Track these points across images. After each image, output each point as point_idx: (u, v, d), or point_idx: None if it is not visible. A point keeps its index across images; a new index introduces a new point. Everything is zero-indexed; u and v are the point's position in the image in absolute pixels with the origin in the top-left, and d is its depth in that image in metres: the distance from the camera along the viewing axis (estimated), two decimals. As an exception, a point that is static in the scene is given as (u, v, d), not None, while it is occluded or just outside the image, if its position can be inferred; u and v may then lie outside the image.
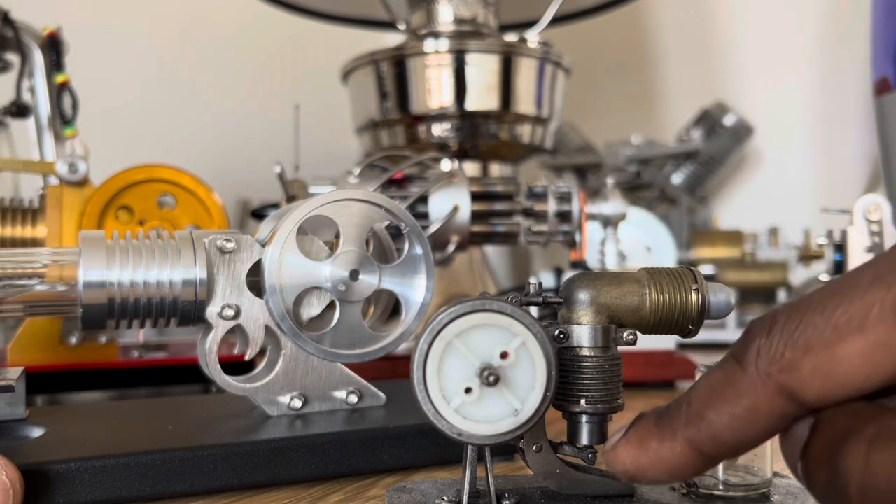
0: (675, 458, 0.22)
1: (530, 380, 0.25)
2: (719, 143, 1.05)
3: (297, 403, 0.38)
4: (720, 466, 0.28)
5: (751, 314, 0.88)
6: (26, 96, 0.62)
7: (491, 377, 0.24)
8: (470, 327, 0.24)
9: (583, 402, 0.27)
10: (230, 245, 0.37)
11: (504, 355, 0.24)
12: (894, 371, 0.19)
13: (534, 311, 0.27)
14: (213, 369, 0.37)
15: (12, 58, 0.64)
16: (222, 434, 0.35)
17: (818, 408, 0.20)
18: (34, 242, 0.54)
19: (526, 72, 0.74)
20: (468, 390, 0.24)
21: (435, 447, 0.36)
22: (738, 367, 0.21)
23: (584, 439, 0.28)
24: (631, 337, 0.28)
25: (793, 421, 0.21)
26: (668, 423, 0.23)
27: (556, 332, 0.27)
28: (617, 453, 0.23)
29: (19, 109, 0.62)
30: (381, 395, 0.40)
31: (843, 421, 0.19)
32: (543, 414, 0.25)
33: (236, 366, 0.40)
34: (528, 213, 0.62)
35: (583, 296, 0.28)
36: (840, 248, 0.54)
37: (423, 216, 0.58)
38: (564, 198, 0.61)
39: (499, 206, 0.61)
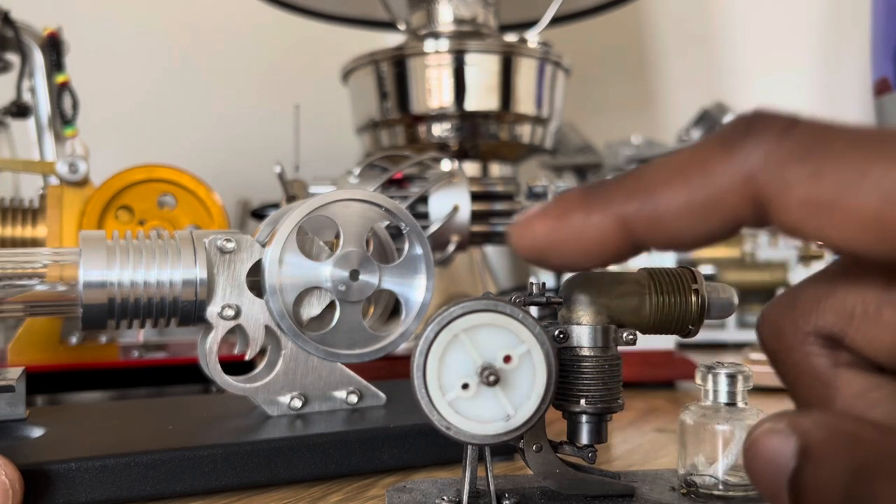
0: (600, 234, 0.19)
1: (528, 389, 0.25)
2: (719, 144, 1.05)
3: (297, 403, 0.38)
4: (720, 466, 0.28)
5: (751, 314, 0.88)
6: (26, 96, 0.62)
7: (491, 377, 0.24)
8: (479, 325, 0.24)
9: (583, 402, 0.27)
10: (230, 245, 0.37)
11: (507, 359, 0.24)
12: (885, 248, 0.17)
13: (534, 310, 0.27)
14: (214, 369, 0.37)
15: (12, 58, 0.64)
16: (222, 434, 0.35)
17: (783, 227, 0.18)
18: (34, 242, 0.54)
19: (526, 72, 0.74)
20: (465, 386, 0.24)
21: (435, 447, 0.36)
22: (721, 152, 0.18)
23: (584, 439, 0.28)
24: (631, 337, 0.28)
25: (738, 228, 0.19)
26: (601, 195, 0.20)
27: (556, 332, 0.27)
28: (528, 222, 0.20)
29: (19, 109, 0.62)
30: (382, 395, 0.40)
31: (850, 452, 0.17)
32: (535, 424, 0.25)
33: (236, 366, 0.40)
34: (528, 213, 0.61)
35: (582, 296, 0.28)
36: (840, 248, 0.54)
37: (423, 216, 0.58)
38: (564, 198, 0.61)
39: (499, 206, 0.61)
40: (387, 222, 0.40)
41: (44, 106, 0.62)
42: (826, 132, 0.18)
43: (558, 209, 0.20)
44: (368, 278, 0.39)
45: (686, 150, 0.19)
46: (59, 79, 0.62)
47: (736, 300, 0.29)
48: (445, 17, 0.76)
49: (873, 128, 0.18)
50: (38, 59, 0.61)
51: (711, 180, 0.18)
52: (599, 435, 0.28)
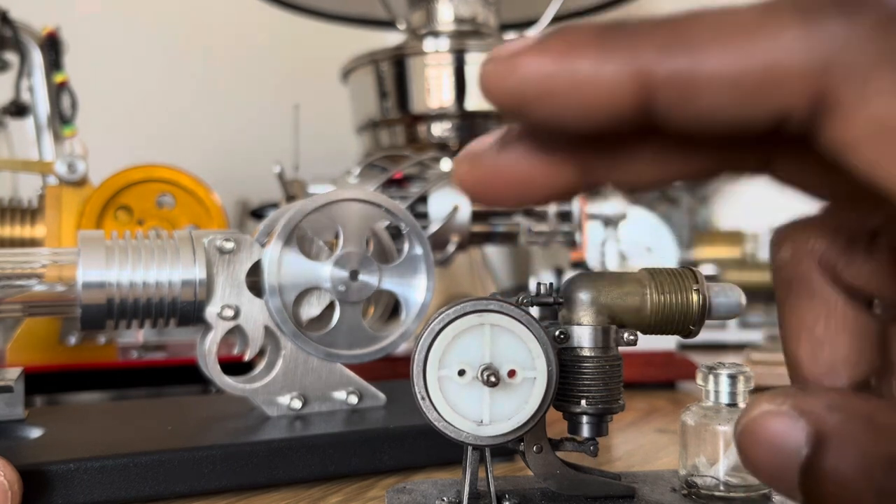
0: (611, 90, 0.14)
1: (514, 410, 0.24)
2: (719, 143, 1.05)
3: (297, 404, 0.38)
4: (721, 467, 0.28)
5: (751, 315, 0.88)
6: (25, 96, 0.62)
7: (491, 378, 0.24)
8: (508, 328, 0.24)
9: (583, 402, 0.27)
10: (229, 245, 0.36)
11: (512, 373, 0.24)
12: None
13: (535, 311, 0.27)
14: (213, 370, 0.37)
15: (11, 57, 0.64)
16: (221, 435, 0.34)
17: (829, 147, 0.14)
18: (33, 242, 0.54)
19: (526, 71, 0.73)
20: (462, 372, 0.24)
21: (435, 448, 0.35)
22: (796, 17, 0.13)
23: (586, 433, 0.27)
24: (632, 337, 0.28)
25: (774, 130, 0.14)
26: (624, 39, 0.14)
27: (557, 333, 0.27)
28: (515, 57, 0.14)
29: (18, 109, 0.62)
30: (381, 395, 0.40)
31: (877, 439, 0.15)
32: (498, 446, 0.25)
33: (235, 366, 0.39)
34: (528, 212, 0.61)
35: (583, 296, 0.27)
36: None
37: (423, 216, 0.58)
38: (565, 198, 0.61)
39: (499, 205, 0.61)
40: (387, 222, 0.40)
41: (42, 105, 0.61)
42: None
43: (563, 45, 0.14)
44: (368, 278, 0.38)
45: (746, 6, 0.14)
46: (58, 78, 0.61)
47: (744, 300, 0.28)
48: (445, 16, 0.76)
49: None
50: (37, 58, 0.61)
51: (775, 49, 0.13)
52: (600, 429, 0.28)
